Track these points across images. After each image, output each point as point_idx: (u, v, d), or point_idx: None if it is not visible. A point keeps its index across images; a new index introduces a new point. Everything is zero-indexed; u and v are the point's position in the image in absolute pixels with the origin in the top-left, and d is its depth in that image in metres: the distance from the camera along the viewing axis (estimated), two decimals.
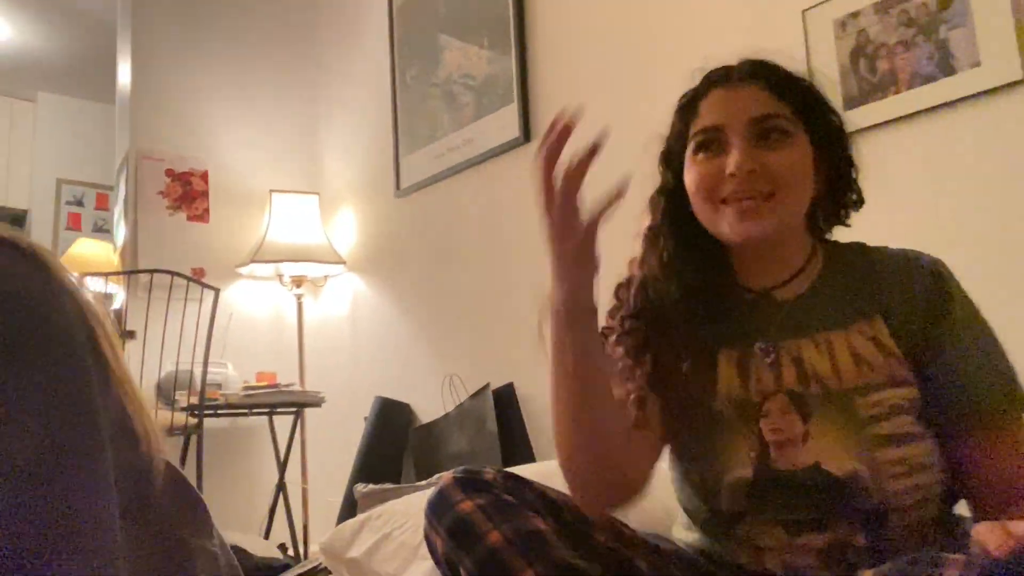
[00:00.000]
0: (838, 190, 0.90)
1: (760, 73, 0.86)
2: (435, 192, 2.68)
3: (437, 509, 0.84)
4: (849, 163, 0.89)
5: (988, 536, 0.58)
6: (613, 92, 2.02)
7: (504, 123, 2.35)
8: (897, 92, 1.42)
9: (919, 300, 0.82)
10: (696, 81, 0.91)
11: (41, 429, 0.46)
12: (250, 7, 3.40)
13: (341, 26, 3.35)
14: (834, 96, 1.48)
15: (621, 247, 0.95)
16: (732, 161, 0.82)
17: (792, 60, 0.90)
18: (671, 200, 0.92)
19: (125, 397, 0.54)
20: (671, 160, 0.93)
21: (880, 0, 1.45)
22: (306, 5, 3.50)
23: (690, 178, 0.87)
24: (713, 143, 0.85)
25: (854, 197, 0.91)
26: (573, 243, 0.73)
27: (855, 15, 1.48)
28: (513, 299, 2.28)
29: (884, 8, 1.44)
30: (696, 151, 0.87)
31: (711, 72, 0.90)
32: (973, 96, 1.33)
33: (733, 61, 0.90)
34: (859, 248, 0.91)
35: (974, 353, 0.81)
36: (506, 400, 2.19)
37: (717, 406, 0.86)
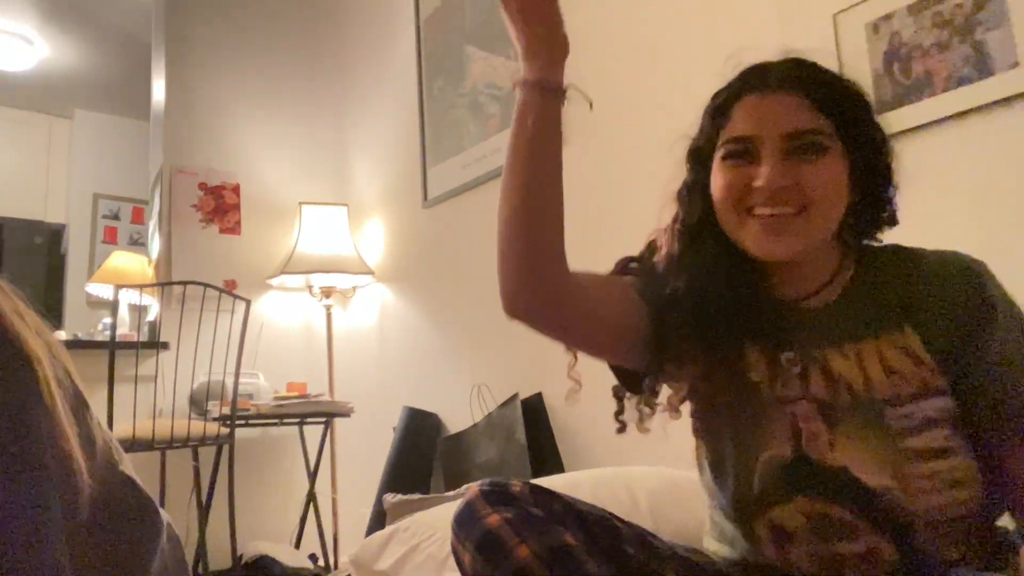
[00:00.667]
0: (872, 206, 0.86)
1: (800, 80, 0.81)
2: (462, 202, 2.68)
3: (464, 523, 0.82)
4: (887, 179, 0.85)
5: None
6: (640, 95, 2.01)
7: None
8: (933, 95, 1.39)
9: (958, 308, 0.78)
10: (730, 74, 0.87)
11: None
12: (280, 23, 3.46)
13: (369, 39, 3.38)
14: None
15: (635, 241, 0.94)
16: (763, 174, 0.79)
17: (840, 65, 0.87)
18: (696, 199, 0.89)
19: (58, 431, 0.56)
20: (699, 158, 0.89)
21: (914, 2, 1.42)
22: (335, 20, 3.55)
23: (717, 183, 0.84)
24: (744, 152, 0.82)
25: (886, 215, 0.87)
26: (539, 23, 0.80)
27: (888, 17, 1.46)
28: None
29: (918, 10, 1.42)
30: (725, 157, 0.83)
31: (747, 72, 0.85)
32: (1013, 98, 1.30)
33: (773, 57, 0.85)
34: (894, 252, 0.86)
35: (1019, 360, 0.77)
36: (535, 410, 2.18)
37: (754, 378, 0.84)
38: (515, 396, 2.23)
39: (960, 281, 0.80)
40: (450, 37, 2.78)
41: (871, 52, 1.48)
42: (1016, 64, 1.29)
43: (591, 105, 0.83)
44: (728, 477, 0.85)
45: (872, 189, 0.85)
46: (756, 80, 0.83)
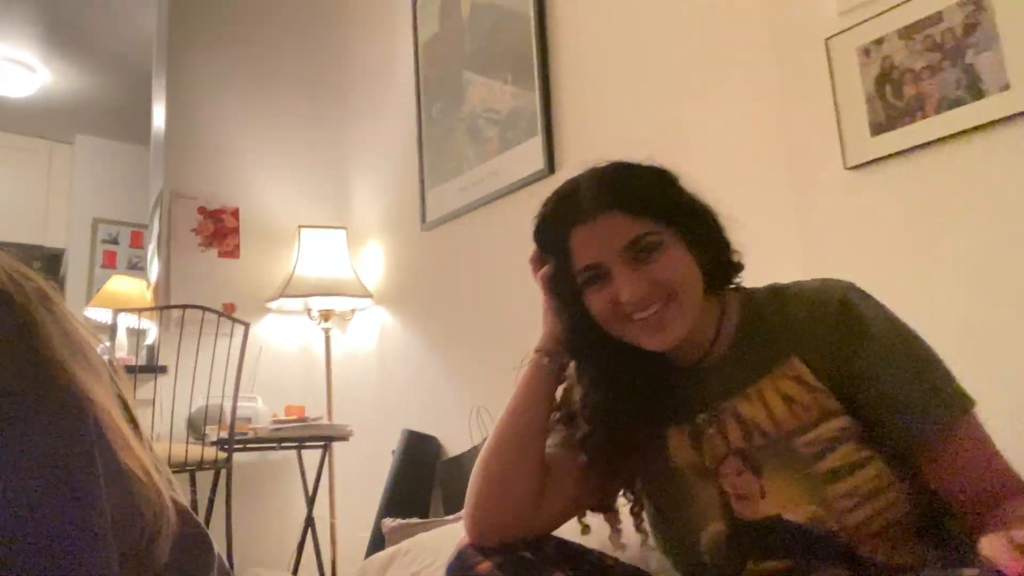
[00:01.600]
0: (717, 263, 0.91)
1: (609, 200, 0.86)
2: (461, 225, 2.70)
3: (456, 573, 0.86)
4: (720, 242, 0.91)
5: (997, 552, 0.57)
6: (635, 123, 2.03)
7: (529, 156, 2.36)
8: (925, 117, 1.41)
9: (831, 333, 0.82)
10: (544, 206, 0.92)
11: (41, 478, 0.47)
12: (280, 49, 3.50)
13: (368, 64, 3.42)
14: (860, 122, 1.48)
15: None
16: (624, 292, 0.83)
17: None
18: (577, 322, 0.92)
19: (125, 447, 0.55)
20: (560, 284, 0.92)
21: (905, 26, 1.44)
22: (335, 44, 3.59)
23: (594, 308, 0.88)
24: (599, 276, 0.86)
25: (733, 265, 0.92)
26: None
27: (879, 41, 1.48)
28: (540, 330, 2.27)
29: (909, 34, 1.44)
30: (585, 284, 0.88)
31: (561, 206, 0.90)
32: (1004, 120, 1.31)
33: (581, 173, 0.91)
34: (771, 291, 0.92)
35: (903, 372, 0.80)
36: None
37: (676, 465, 0.90)
38: None
39: (830, 305, 0.84)
40: (449, 62, 2.82)
41: (863, 76, 1.50)
42: (1007, 86, 1.31)
43: None
44: (678, 558, 0.90)
45: (713, 249, 0.90)
46: (573, 214, 0.88)
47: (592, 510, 0.98)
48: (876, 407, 0.80)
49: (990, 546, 0.58)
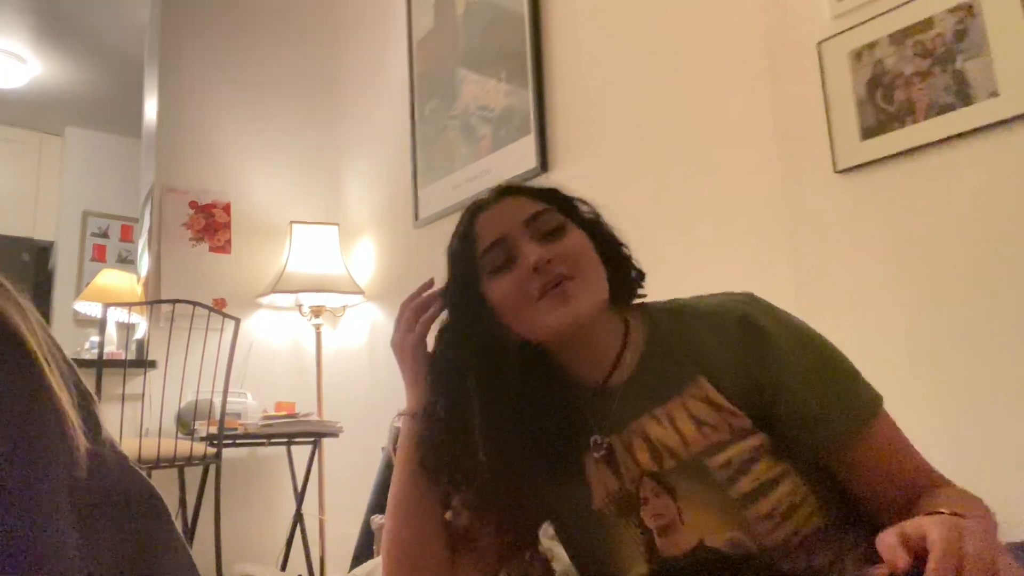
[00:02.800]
0: (619, 269, 0.91)
1: (511, 188, 0.92)
2: (453, 222, 2.67)
3: None
4: (619, 244, 0.93)
5: (890, 550, 0.57)
6: (627, 123, 2.04)
7: (522, 154, 2.37)
8: (915, 122, 1.42)
9: (735, 351, 0.82)
10: (457, 221, 0.95)
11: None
12: (273, 43, 3.49)
13: (362, 61, 3.41)
14: (851, 126, 1.49)
15: None
16: (530, 256, 0.83)
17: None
18: (472, 331, 0.89)
19: (56, 403, 0.56)
20: (469, 293, 0.90)
21: (896, 31, 1.45)
22: (329, 41, 3.58)
23: (499, 296, 0.86)
24: (505, 258, 0.86)
25: (634, 273, 0.93)
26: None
27: (871, 46, 1.49)
28: None
29: (900, 39, 1.45)
30: (493, 272, 0.87)
31: (470, 205, 0.94)
32: (992, 125, 1.32)
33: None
34: (673, 308, 0.91)
35: (811, 381, 0.80)
36: None
37: (596, 506, 0.87)
38: None
39: (730, 323, 0.83)
40: (442, 59, 2.81)
41: (854, 80, 1.51)
42: (995, 93, 1.32)
43: None
44: None
45: (612, 257, 0.91)
46: (478, 204, 0.93)
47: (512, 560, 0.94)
48: (788, 420, 0.80)
49: (882, 543, 0.58)
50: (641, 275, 0.94)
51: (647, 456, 0.84)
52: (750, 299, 0.86)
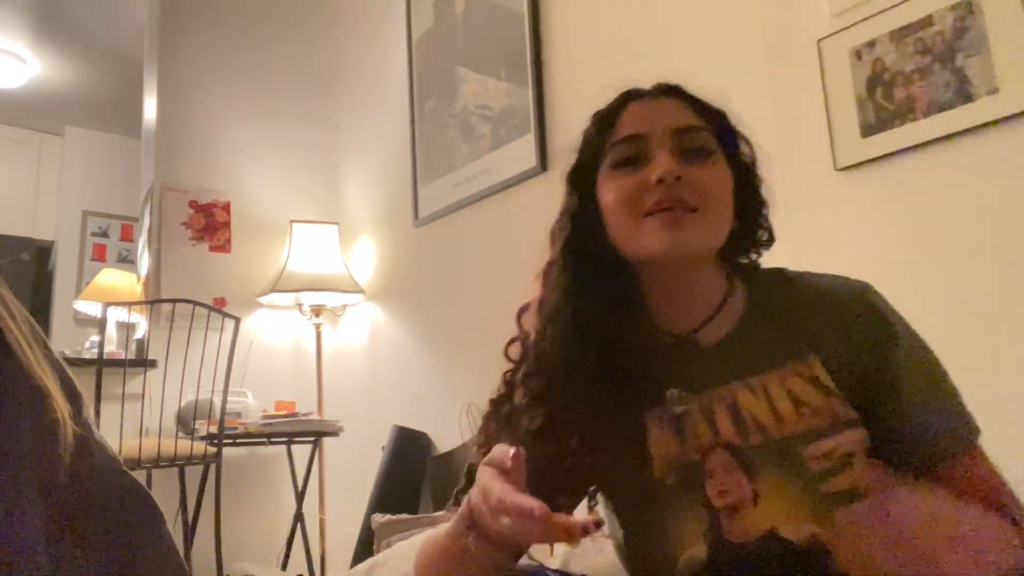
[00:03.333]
0: (749, 226, 0.84)
1: (678, 91, 0.83)
2: (453, 222, 2.70)
3: None
4: (761, 201, 0.85)
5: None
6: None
7: (521, 153, 2.37)
8: (915, 120, 1.42)
9: (859, 336, 0.75)
10: (609, 99, 0.85)
11: None
12: (273, 42, 3.49)
13: (361, 60, 3.41)
14: (851, 124, 1.49)
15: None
16: (659, 167, 0.75)
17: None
18: (577, 226, 0.82)
19: (38, 385, 0.54)
20: (581, 180, 0.84)
21: (896, 29, 1.45)
22: (328, 40, 3.58)
23: (609, 194, 0.79)
24: (635, 156, 0.78)
25: (765, 236, 0.86)
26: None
27: (871, 44, 1.49)
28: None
29: (900, 37, 1.45)
30: (615, 165, 0.80)
31: (626, 90, 0.85)
32: (992, 123, 1.32)
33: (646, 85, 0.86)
34: (781, 276, 0.83)
35: (927, 387, 0.75)
36: None
37: (656, 475, 0.76)
38: None
39: (856, 307, 0.77)
40: (442, 58, 2.81)
41: (855, 77, 1.50)
42: (995, 90, 1.32)
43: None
44: None
45: (749, 208, 0.84)
46: (637, 92, 0.84)
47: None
48: (891, 423, 0.74)
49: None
50: (771, 240, 0.86)
51: (730, 426, 0.75)
52: (869, 286, 0.79)
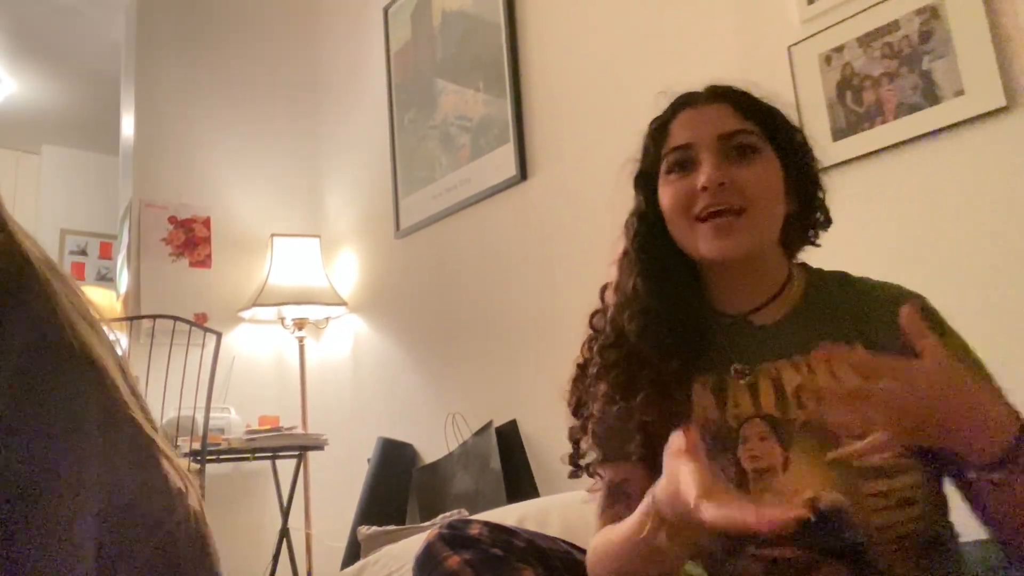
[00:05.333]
0: (806, 210, 0.90)
1: (725, 94, 0.89)
2: (434, 232, 2.70)
3: (424, 566, 0.83)
4: (816, 182, 0.91)
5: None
6: (604, 129, 2.05)
7: (501, 162, 2.38)
8: (884, 122, 1.45)
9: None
10: (663, 106, 0.94)
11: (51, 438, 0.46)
12: (251, 56, 3.48)
13: (340, 73, 3.42)
14: (822, 128, 1.52)
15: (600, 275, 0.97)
16: (703, 175, 0.83)
17: (757, 87, 0.92)
18: (644, 223, 0.92)
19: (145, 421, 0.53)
20: (645, 183, 0.93)
21: (863, 34, 1.48)
22: (306, 53, 3.58)
23: (665, 198, 0.88)
24: (685, 162, 0.86)
25: (821, 218, 0.92)
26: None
27: (840, 49, 1.52)
28: (514, 335, 2.29)
29: (867, 41, 1.48)
30: (669, 171, 0.88)
31: (679, 96, 0.93)
32: (960, 123, 1.35)
33: (699, 88, 0.93)
34: (842, 277, 0.90)
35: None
36: (510, 437, 2.18)
37: (699, 415, 0.84)
38: (489, 424, 2.23)
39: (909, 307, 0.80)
40: (420, 70, 2.83)
41: (824, 82, 1.53)
42: (961, 92, 1.35)
43: None
44: None
45: (804, 192, 0.90)
46: (687, 99, 0.91)
47: None
48: None
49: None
50: (828, 221, 0.91)
51: (771, 399, 0.81)
52: (925, 299, 0.84)
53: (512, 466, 2.13)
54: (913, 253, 1.40)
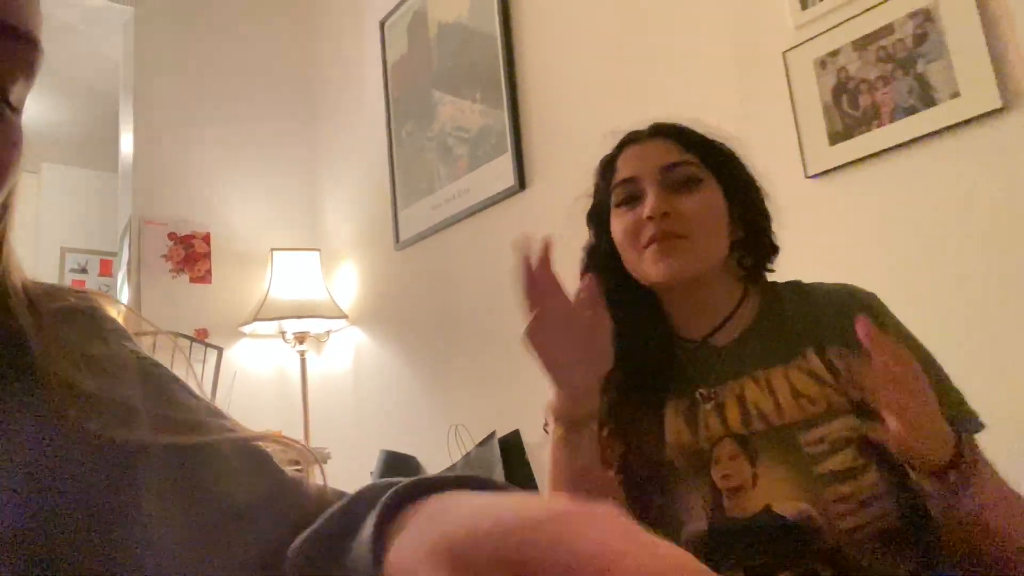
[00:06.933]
0: (753, 239, 0.93)
1: (667, 130, 0.94)
2: (434, 243, 2.71)
3: None
4: (762, 212, 0.94)
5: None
6: (602, 137, 2.06)
7: (499, 172, 2.38)
8: (880, 125, 1.45)
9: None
10: (611, 145, 0.99)
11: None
12: (248, 72, 3.50)
13: (338, 86, 3.43)
14: (819, 132, 1.52)
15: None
16: (647, 205, 0.87)
17: (702, 125, 0.95)
18: (601, 256, 0.96)
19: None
20: (598, 218, 0.98)
21: (858, 38, 1.49)
22: (304, 67, 3.59)
23: (616, 230, 0.92)
24: (632, 195, 0.91)
25: (768, 244, 0.94)
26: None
27: (834, 53, 1.52)
28: (515, 345, 2.28)
29: (862, 45, 1.48)
30: (618, 204, 0.92)
31: (624, 135, 0.98)
32: (955, 126, 1.36)
33: (643, 127, 0.97)
34: (794, 287, 0.93)
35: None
36: (513, 447, 2.17)
37: (667, 457, 0.87)
38: (492, 435, 2.23)
39: (854, 302, 0.85)
40: (417, 82, 2.84)
41: (820, 87, 1.54)
42: (957, 94, 1.35)
43: None
44: None
45: (751, 223, 0.93)
46: (631, 136, 0.97)
47: None
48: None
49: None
50: (774, 249, 0.94)
51: (736, 417, 0.84)
52: (874, 295, 0.88)
53: (516, 476, 2.12)
54: (910, 256, 1.40)
